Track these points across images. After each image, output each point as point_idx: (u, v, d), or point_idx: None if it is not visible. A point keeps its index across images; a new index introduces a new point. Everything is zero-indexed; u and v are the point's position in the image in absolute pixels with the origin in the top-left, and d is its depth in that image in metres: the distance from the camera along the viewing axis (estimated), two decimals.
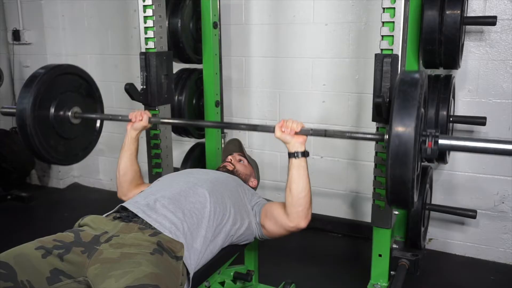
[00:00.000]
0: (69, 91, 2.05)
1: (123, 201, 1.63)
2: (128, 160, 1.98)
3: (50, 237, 1.40)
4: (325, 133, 1.63)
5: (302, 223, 1.69)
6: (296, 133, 1.65)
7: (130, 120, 1.99)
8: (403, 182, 1.21)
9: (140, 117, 1.97)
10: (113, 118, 2.15)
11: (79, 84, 2.12)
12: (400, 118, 1.19)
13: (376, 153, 1.84)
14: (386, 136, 1.36)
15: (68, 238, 1.40)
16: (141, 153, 2.23)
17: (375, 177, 1.86)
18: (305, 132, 1.66)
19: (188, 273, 1.47)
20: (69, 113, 2.04)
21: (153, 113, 2.30)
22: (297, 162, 1.65)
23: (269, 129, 1.72)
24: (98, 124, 2.23)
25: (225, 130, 2.90)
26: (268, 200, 1.96)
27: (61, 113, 2.00)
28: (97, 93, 2.22)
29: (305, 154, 1.66)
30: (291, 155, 1.66)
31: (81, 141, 2.16)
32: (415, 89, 1.22)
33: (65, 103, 2.02)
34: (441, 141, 1.29)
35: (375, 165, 1.85)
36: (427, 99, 2.11)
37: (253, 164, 2.13)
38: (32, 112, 1.84)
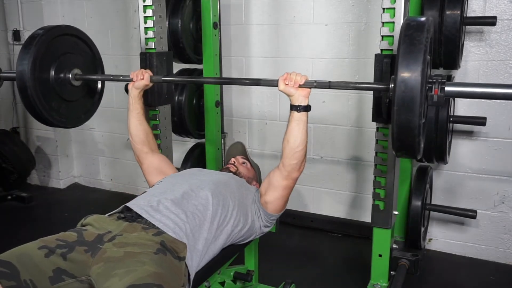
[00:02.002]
0: (69, 52, 2.01)
1: (123, 201, 1.63)
2: (136, 119, 1.97)
3: (53, 237, 1.39)
4: (329, 85, 1.59)
5: (295, 173, 1.72)
6: (300, 86, 1.62)
7: (131, 80, 1.96)
8: (410, 128, 1.18)
9: (142, 75, 1.94)
10: (114, 78, 2.10)
11: (78, 46, 2.07)
12: (406, 63, 1.15)
13: (376, 153, 1.84)
14: (392, 85, 1.32)
15: (71, 238, 1.40)
16: None
17: (375, 177, 1.86)
18: (309, 85, 1.62)
19: (189, 274, 1.47)
20: (70, 75, 1.99)
21: (153, 113, 2.30)
22: (298, 116, 1.64)
23: (273, 83, 1.68)
24: (99, 86, 2.18)
25: (226, 130, 2.90)
26: None
27: (62, 75, 1.96)
28: (97, 55, 2.17)
29: (307, 108, 1.65)
30: (294, 107, 1.65)
31: (82, 104, 2.11)
32: (421, 33, 1.18)
33: (65, 65, 1.98)
34: (447, 88, 1.26)
35: (375, 165, 1.85)
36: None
37: (255, 167, 2.13)
38: (32, 74, 1.80)
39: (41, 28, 1.91)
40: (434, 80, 1.25)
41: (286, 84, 1.63)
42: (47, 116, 1.91)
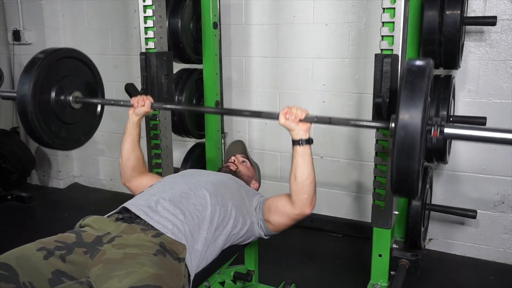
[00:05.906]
0: (70, 75, 2.01)
1: (124, 201, 1.63)
2: (130, 146, 1.97)
3: (52, 238, 1.39)
4: (329, 121, 1.61)
5: (307, 209, 1.71)
6: (301, 120, 1.63)
7: (132, 106, 1.96)
8: (409, 173, 1.20)
9: (142, 102, 1.94)
10: (115, 103, 2.10)
11: (79, 68, 2.07)
12: (407, 109, 1.17)
13: (376, 153, 1.84)
14: (392, 125, 1.34)
15: (70, 239, 1.40)
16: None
17: (375, 177, 1.86)
18: (310, 120, 1.63)
19: (189, 275, 1.47)
20: (70, 98, 1.98)
21: (153, 113, 2.30)
22: (302, 150, 1.65)
23: (273, 116, 1.69)
24: (99, 109, 2.18)
25: (226, 130, 2.90)
26: None
27: (62, 98, 1.96)
28: (98, 77, 2.17)
29: (309, 141, 1.65)
30: (295, 142, 1.65)
31: (82, 126, 2.11)
32: (422, 80, 1.20)
33: (65, 87, 1.98)
34: (446, 130, 1.27)
35: (375, 165, 1.85)
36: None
37: (255, 166, 2.13)
38: (32, 98, 1.80)
39: (42, 52, 1.90)
40: (434, 122, 1.27)
41: (286, 118, 1.63)
42: (48, 140, 1.92)
